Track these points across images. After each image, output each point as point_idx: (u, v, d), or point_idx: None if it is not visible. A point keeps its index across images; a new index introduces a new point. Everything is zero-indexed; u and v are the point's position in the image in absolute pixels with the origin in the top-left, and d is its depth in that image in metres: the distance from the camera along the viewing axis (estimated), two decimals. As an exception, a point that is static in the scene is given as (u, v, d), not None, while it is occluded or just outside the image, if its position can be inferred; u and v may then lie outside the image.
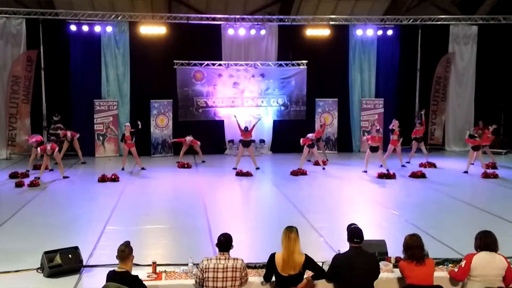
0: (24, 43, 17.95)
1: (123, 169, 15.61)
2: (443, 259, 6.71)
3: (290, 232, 5.77)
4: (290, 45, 19.54)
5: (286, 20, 19.24)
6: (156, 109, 18.91)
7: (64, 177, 14.47)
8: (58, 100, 18.49)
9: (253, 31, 18.99)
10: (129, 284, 5.35)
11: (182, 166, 16.54)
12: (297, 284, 5.71)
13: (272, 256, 5.83)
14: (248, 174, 15.13)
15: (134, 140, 16.05)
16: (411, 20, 19.45)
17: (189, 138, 17.30)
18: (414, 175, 14.78)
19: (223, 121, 19.65)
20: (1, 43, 17.77)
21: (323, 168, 16.09)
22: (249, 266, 6.27)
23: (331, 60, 19.69)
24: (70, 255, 7.44)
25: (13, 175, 14.55)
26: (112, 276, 5.48)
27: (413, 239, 5.84)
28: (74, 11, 17.82)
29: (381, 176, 14.71)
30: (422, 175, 14.74)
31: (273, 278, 5.92)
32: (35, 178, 13.84)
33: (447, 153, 19.69)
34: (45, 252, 7.40)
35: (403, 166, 16.12)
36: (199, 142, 17.39)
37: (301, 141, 15.80)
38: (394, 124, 16.12)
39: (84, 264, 7.64)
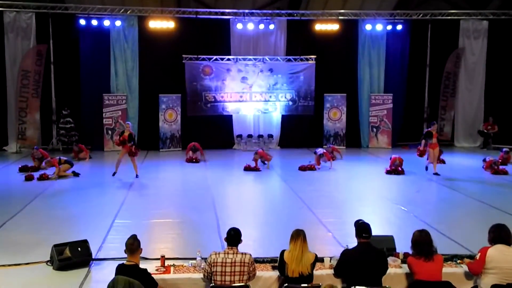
0: (34, 37, 18.04)
1: (114, 174, 13.94)
2: (451, 255, 6.69)
3: (297, 238, 5.78)
4: (299, 40, 19.49)
5: (295, 15, 19.18)
6: (165, 103, 18.94)
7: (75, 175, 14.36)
8: (68, 94, 18.58)
9: (262, 26, 18.97)
10: (138, 277, 5.38)
11: (191, 160, 16.56)
12: (307, 283, 5.68)
13: (282, 254, 5.85)
14: (256, 169, 15.13)
15: (132, 142, 13.89)
16: (421, 15, 19.32)
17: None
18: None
19: (231, 116, 19.64)
20: (11, 37, 17.85)
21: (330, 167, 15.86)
22: (257, 260, 6.29)
23: (340, 55, 19.62)
24: (79, 248, 7.48)
25: (23, 169, 14.63)
26: (121, 269, 5.52)
27: (422, 234, 5.84)
28: (84, 5, 17.86)
29: (389, 172, 14.65)
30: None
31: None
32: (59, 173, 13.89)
33: (457, 149, 19.57)
34: (55, 245, 7.44)
35: (435, 174, 14.40)
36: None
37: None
38: (433, 128, 14.64)
39: (93, 257, 7.66)
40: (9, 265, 7.42)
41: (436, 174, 14.27)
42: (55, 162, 14.07)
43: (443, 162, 16.22)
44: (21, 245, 8.34)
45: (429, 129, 14.68)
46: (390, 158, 15.06)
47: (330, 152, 16.59)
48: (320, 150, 15.93)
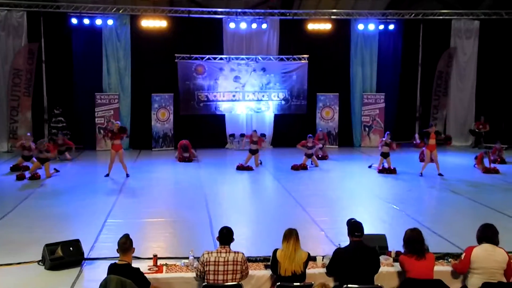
0: (26, 35, 17.91)
1: (107, 175, 13.89)
2: (443, 254, 6.74)
3: (290, 237, 5.78)
4: (292, 40, 19.51)
5: (288, 14, 19.19)
6: (157, 102, 18.90)
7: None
8: (60, 93, 18.48)
9: (254, 25, 18.97)
10: (130, 276, 5.37)
11: (183, 160, 16.53)
12: (300, 282, 5.70)
13: (274, 252, 5.86)
14: (248, 168, 15.14)
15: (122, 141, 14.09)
16: (413, 14, 19.40)
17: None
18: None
19: (224, 115, 19.63)
20: (3, 35, 17.73)
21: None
22: (250, 259, 6.31)
23: (333, 55, 19.66)
24: (71, 248, 7.47)
25: (14, 168, 14.55)
26: (113, 269, 5.51)
27: (413, 233, 5.87)
28: (76, 4, 17.76)
29: (381, 171, 14.72)
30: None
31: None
32: (41, 162, 13.78)
33: (448, 148, 19.66)
34: (47, 245, 7.42)
35: (440, 174, 14.24)
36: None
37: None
38: (431, 129, 14.63)
39: (85, 256, 7.65)
40: (0, 265, 7.39)
41: (440, 175, 14.20)
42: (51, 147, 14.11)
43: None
44: (12, 245, 8.32)
45: (427, 129, 14.66)
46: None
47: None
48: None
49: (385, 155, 14.93)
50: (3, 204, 10.98)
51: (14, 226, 9.45)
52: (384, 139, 15.21)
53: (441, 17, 19.61)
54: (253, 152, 15.51)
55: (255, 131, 16.23)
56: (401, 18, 19.51)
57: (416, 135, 16.08)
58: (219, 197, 12.14)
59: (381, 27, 19.56)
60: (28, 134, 15.08)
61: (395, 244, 6.63)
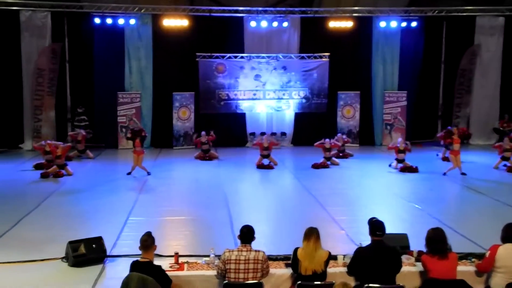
0: (49, 36, 18.14)
1: (129, 173, 14.10)
2: (466, 254, 6.64)
3: (310, 236, 5.78)
4: (313, 38, 19.38)
5: (309, 12, 19.09)
6: (178, 101, 18.99)
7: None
8: (82, 92, 18.68)
9: (275, 24, 18.89)
10: (152, 274, 5.40)
11: (203, 158, 16.60)
12: (320, 281, 5.67)
13: (295, 251, 5.85)
14: (269, 167, 15.13)
15: (143, 145, 14.62)
16: (436, 11, 19.09)
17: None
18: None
19: (244, 113, 19.65)
20: (27, 36, 17.97)
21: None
22: (270, 258, 6.30)
23: (354, 53, 19.49)
24: (94, 245, 7.58)
25: (37, 166, 14.77)
26: (135, 266, 5.55)
27: (436, 232, 5.81)
28: (98, 4, 17.94)
29: (403, 169, 14.59)
30: None
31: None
32: (59, 168, 14.02)
33: (471, 146, 19.37)
34: (70, 242, 7.53)
35: (463, 174, 14.06)
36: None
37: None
38: (455, 132, 14.58)
39: (107, 254, 7.74)
40: (26, 261, 7.52)
41: (463, 174, 14.02)
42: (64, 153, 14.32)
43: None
44: (36, 242, 8.45)
45: (451, 129, 14.72)
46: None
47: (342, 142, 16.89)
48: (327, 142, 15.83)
49: (400, 161, 14.88)
50: (27, 201, 11.18)
51: (37, 223, 9.60)
52: (398, 145, 15.11)
53: (464, 14, 19.28)
54: (265, 156, 15.48)
55: (265, 133, 16.13)
56: (423, 15, 19.23)
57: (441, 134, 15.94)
58: (239, 195, 12.16)
59: (403, 24, 19.29)
60: (49, 141, 15.22)
61: (417, 243, 6.57)
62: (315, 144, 15.98)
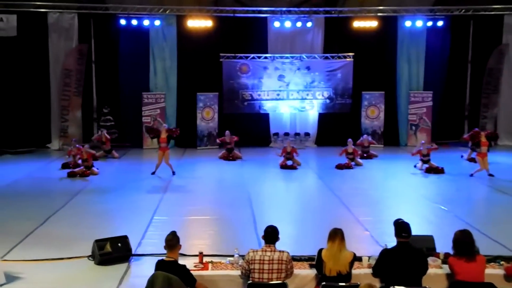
0: (76, 37, 18.44)
1: (153, 173, 14.12)
2: (494, 256, 6.54)
3: (335, 237, 5.76)
4: (337, 37, 19.26)
5: (333, 12, 18.97)
6: (202, 101, 19.08)
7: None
8: (108, 92, 18.93)
9: (299, 24, 18.82)
10: (177, 273, 5.44)
11: (227, 158, 16.65)
12: (345, 283, 5.66)
13: (319, 252, 5.85)
14: (292, 167, 15.10)
15: (169, 144, 14.61)
16: (463, 10, 18.78)
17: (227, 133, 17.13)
18: None
19: (268, 114, 19.64)
20: (55, 37, 18.29)
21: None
22: (294, 258, 6.29)
23: (379, 52, 19.28)
24: (119, 244, 7.64)
25: (65, 165, 15.00)
26: (160, 265, 5.59)
27: (463, 234, 5.74)
28: (124, 5, 18.15)
29: (428, 170, 14.40)
30: None
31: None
32: (86, 169, 14.23)
33: (499, 147, 19.01)
34: (96, 240, 7.63)
35: (490, 175, 13.82)
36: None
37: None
38: (482, 134, 14.43)
39: (132, 252, 7.80)
40: (54, 259, 7.66)
41: (490, 175, 13.79)
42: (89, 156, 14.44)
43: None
44: (64, 239, 8.59)
45: (478, 131, 14.62)
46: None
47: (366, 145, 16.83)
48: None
49: (425, 161, 14.73)
50: (54, 200, 11.33)
51: (65, 221, 9.76)
52: (421, 149, 14.94)
53: (492, 13, 18.93)
54: (288, 159, 15.43)
55: (288, 134, 16.03)
56: (450, 14, 18.95)
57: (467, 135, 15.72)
58: (262, 195, 12.15)
59: (429, 23, 19.03)
60: (77, 145, 15.38)
61: (443, 245, 6.49)
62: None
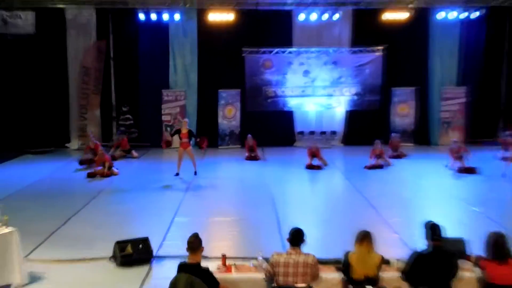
0: (94, 33, 18.17)
1: (177, 174, 13.57)
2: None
3: (363, 239, 5.60)
4: (365, 31, 18.46)
5: (361, 3, 18.22)
6: (224, 99, 18.62)
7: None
8: (127, 90, 18.60)
9: (325, 16, 18.14)
10: (200, 276, 5.32)
11: (250, 158, 16.17)
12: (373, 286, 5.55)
13: (346, 255, 5.70)
14: (318, 167, 14.55)
15: (191, 140, 13.90)
16: (500, 1, 17.85)
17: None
18: None
19: (292, 111, 19.08)
20: (73, 33, 18.04)
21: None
22: (320, 261, 6.03)
23: (409, 46, 18.43)
24: (140, 245, 7.70)
25: (82, 161, 14.89)
26: (182, 268, 5.46)
27: (497, 237, 5.53)
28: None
29: (460, 170, 13.75)
30: None
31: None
32: (108, 169, 13.92)
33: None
34: (117, 242, 7.66)
35: None
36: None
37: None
38: None
39: (153, 254, 7.80)
40: (75, 260, 7.70)
41: None
42: (107, 159, 14.16)
43: None
44: (85, 240, 8.61)
45: None
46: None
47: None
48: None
49: (457, 158, 14.18)
50: (75, 201, 11.33)
51: (86, 222, 9.74)
52: (455, 147, 14.40)
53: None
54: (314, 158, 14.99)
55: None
56: (485, 5, 18.02)
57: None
58: (286, 196, 11.90)
59: (463, 15, 18.15)
60: (90, 132, 15.17)
61: (475, 248, 6.26)
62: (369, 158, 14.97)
